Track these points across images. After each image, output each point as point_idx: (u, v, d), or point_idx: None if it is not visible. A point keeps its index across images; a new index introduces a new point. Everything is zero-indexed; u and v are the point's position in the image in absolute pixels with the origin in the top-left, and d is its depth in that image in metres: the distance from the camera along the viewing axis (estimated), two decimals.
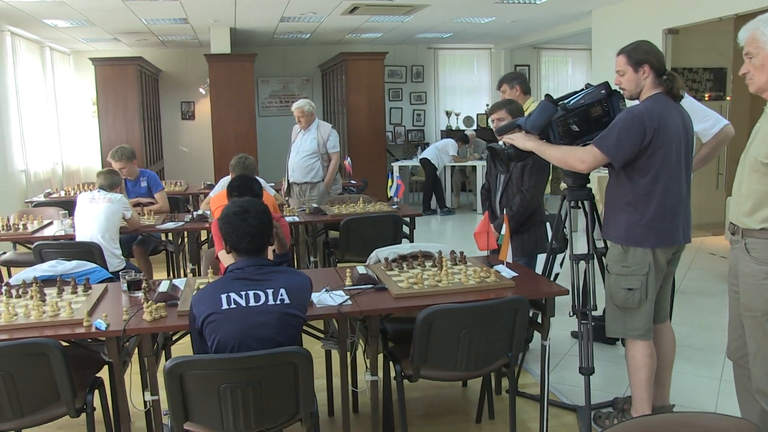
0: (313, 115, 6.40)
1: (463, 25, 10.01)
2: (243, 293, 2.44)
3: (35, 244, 4.55)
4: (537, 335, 3.30)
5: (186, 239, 5.43)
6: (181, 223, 5.23)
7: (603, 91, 3.26)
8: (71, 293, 3.18)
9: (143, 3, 7.42)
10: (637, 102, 3.17)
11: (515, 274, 3.32)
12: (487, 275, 3.24)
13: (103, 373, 2.99)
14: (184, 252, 5.64)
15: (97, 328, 2.71)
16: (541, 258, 4.12)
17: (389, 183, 6.09)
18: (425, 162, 10.15)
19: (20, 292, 3.16)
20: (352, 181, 8.05)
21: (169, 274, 5.96)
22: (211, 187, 7.61)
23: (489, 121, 4.18)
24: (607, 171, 3.31)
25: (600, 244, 3.39)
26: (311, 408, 2.51)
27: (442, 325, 2.76)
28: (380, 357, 3.10)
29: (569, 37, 11.05)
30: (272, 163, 10.45)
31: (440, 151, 10.22)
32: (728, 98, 8.65)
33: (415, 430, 3.43)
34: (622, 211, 3.09)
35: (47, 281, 3.36)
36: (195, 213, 5.41)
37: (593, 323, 3.32)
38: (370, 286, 3.16)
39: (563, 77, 13.18)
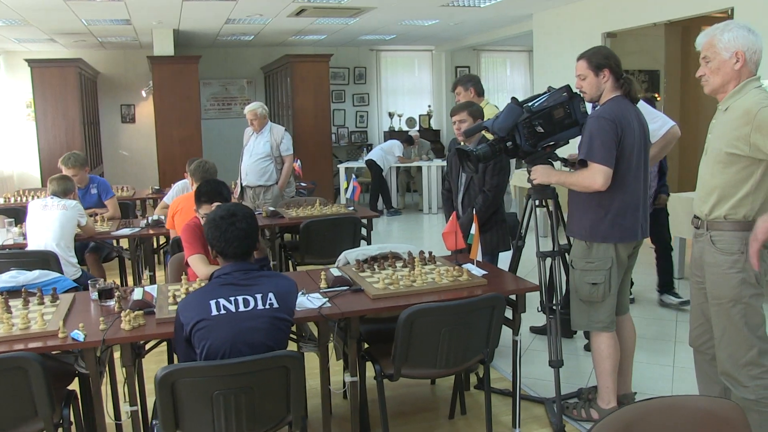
0: (266, 117, 6.36)
1: (407, 27, 10.13)
2: (232, 299, 2.43)
3: None
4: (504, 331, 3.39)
5: (142, 246, 5.32)
6: (137, 229, 5.13)
7: (565, 94, 3.38)
8: (38, 304, 3.09)
9: (85, 3, 7.22)
10: (596, 105, 3.31)
11: (485, 273, 3.41)
12: (459, 274, 3.31)
13: (74, 386, 2.93)
14: (139, 259, 5.52)
15: (74, 339, 2.64)
16: (503, 256, 4.27)
17: (345, 185, 6.12)
18: (371, 163, 10.21)
19: None
20: (302, 183, 8.03)
21: (122, 282, 5.82)
22: (160, 192, 7.48)
23: (452, 122, 4.25)
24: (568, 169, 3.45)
25: (563, 242, 3.53)
26: (302, 411, 2.53)
27: (424, 324, 2.81)
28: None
29: (508, 39, 11.33)
30: (226, 164, 10.31)
31: (386, 153, 10.29)
32: (658, 98, 9.03)
33: (391, 429, 3.47)
34: (586, 208, 3.21)
35: (10, 292, 3.25)
36: (150, 218, 5.31)
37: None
38: (345, 288, 3.19)
39: (502, 78, 13.49)
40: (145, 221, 5.28)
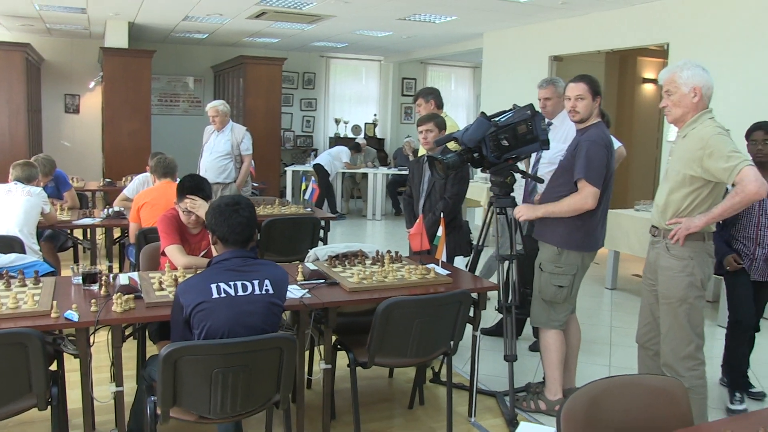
0: (227, 115, 6.48)
1: (360, 37, 10.38)
2: (232, 283, 2.60)
3: None
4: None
5: (104, 236, 5.35)
6: (98, 220, 5.17)
7: (528, 112, 3.70)
8: (21, 286, 3.16)
9: None
10: (574, 124, 3.62)
11: (448, 272, 3.68)
12: (427, 272, 3.57)
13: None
14: (98, 249, 5.54)
15: (68, 319, 2.74)
16: (458, 260, 4.55)
17: (303, 186, 6.30)
18: (318, 168, 10.38)
19: None
20: (255, 184, 8.15)
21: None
22: (111, 184, 7.46)
23: (417, 132, 4.50)
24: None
25: (519, 247, 3.83)
26: (290, 391, 2.71)
27: (399, 316, 3.04)
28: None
29: (455, 55, 11.74)
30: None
31: (333, 158, 10.49)
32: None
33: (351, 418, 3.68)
34: (562, 218, 3.49)
35: None
36: (110, 210, 5.35)
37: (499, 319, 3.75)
38: (322, 281, 3.39)
39: (446, 92, 13.87)
40: (106, 212, 5.31)
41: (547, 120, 4.30)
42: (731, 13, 6.11)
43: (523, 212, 3.65)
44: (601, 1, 6.93)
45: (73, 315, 2.75)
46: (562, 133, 4.30)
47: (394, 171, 10.80)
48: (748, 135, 3.89)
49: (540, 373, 4.23)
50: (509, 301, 3.72)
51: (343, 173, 11.02)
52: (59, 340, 2.97)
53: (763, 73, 5.81)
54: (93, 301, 2.89)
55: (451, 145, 4.13)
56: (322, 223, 5.76)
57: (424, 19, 8.43)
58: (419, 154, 5.03)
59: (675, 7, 6.65)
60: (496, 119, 3.69)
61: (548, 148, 3.79)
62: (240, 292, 2.60)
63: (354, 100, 13.49)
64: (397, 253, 3.91)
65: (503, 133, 3.65)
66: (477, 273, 4.13)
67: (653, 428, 2.05)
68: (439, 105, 5.34)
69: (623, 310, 6.00)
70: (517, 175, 3.84)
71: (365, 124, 13.40)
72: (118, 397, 2.91)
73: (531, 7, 7.41)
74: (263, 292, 2.64)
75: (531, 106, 3.72)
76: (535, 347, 4.69)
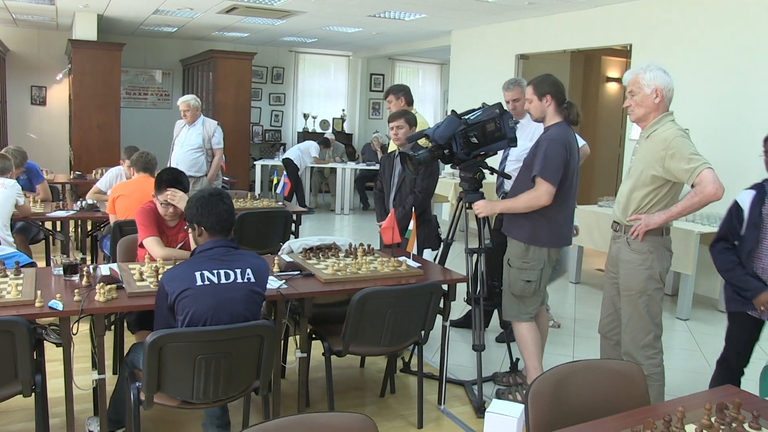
0: (198, 110, 6.52)
1: (329, 32, 10.46)
2: (215, 271, 2.70)
3: None
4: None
5: (79, 228, 5.38)
6: (72, 212, 5.19)
7: (497, 111, 3.84)
8: (2, 276, 3.21)
9: None
10: (541, 124, 3.78)
11: (419, 265, 3.82)
12: (399, 264, 3.70)
13: None
14: (70, 241, 5.56)
15: (52, 308, 2.81)
16: (427, 253, 4.69)
17: (274, 181, 6.39)
18: (288, 162, 10.44)
19: None
20: (225, 177, 8.19)
21: (48, 263, 5.81)
22: (81, 177, 7.44)
23: (388, 128, 4.63)
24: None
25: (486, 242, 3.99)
26: (270, 377, 2.83)
27: (373, 306, 3.17)
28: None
29: (422, 52, 11.89)
30: None
31: (303, 153, 10.56)
32: None
33: (326, 405, 3.80)
34: (528, 216, 3.64)
35: None
36: (84, 202, 5.37)
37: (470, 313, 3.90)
38: (298, 272, 3.50)
39: (414, 87, 13.87)
40: (80, 204, 5.34)
41: (514, 119, 4.45)
42: (692, 17, 6.35)
43: (481, 208, 3.81)
44: (567, 2, 7.13)
45: (57, 304, 2.82)
46: (529, 132, 4.45)
47: (362, 166, 10.91)
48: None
49: (507, 363, 4.41)
50: (477, 293, 3.88)
51: (312, 168, 11.10)
52: (40, 329, 3.03)
53: (722, 75, 6.07)
54: (76, 291, 2.96)
55: (422, 142, 4.27)
56: (294, 216, 5.85)
57: (393, 16, 8.55)
58: (389, 150, 5.15)
59: (638, 9, 6.89)
60: (466, 117, 3.83)
61: (516, 146, 3.95)
62: (223, 280, 2.70)
63: (322, 95, 13.56)
64: (369, 246, 4.04)
65: (473, 130, 3.79)
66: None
67: (614, 408, 2.21)
68: (410, 102, 5.47)
69: (586, 303, 6.22)
70: (486, 171, 4.00)
71: (333, 119, 13.48)
72: (100, 384, 2.98)
73: (499, 7, 7.59)
74: (245, 280, 2.74)
75: (499, 105, 3.87)
76: (501, 338, 4.87)
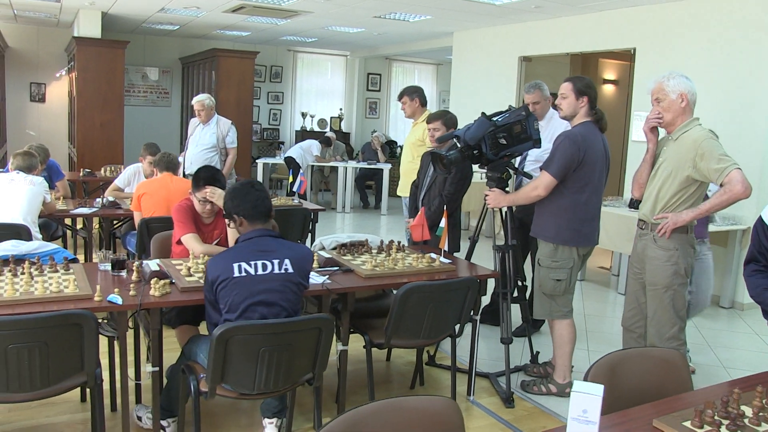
0: (212, 109, 6.60)
1: (330, 32, 10.55)
2: (252, 263, 2.80)
3: None
4: None
5: (100, 225, 5.44)
6: (94, 209, 5.26)
7: (523, 113, 3.99)
8: (53, 272, 3.29)
9: None
10: (559, 126, 3.94)
11: (449, 261, 3.95)
12: (432, 260, 3.83)
13: None
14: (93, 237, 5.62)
15: (111, 302, 2.90)
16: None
17: (290, 179, 6.47)
18: (290, 161, 10.52)
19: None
20: (237, 176, 8.26)
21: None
22: (91, 174, 7.49)
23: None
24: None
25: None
26: (324, 369, 2.94)
27: (415, 300, 3.30)
28: None
29: (419, 52, 12.03)
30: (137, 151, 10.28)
31: (305, 151, 10.64)
32: None
33: (361, 397, 3.91)
34: (553, 215, 3.81)
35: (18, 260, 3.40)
36: (106, 199, 5.45)
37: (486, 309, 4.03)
38: (337, 268, 3.62)
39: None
40: (101, 201, 5.40)
41: None
42: (696, 20, 6.54)
43: (490, 199, 3.98)
44: (572, 6, 7.30)
45: (117, 298, 2.91)
46: (548, 133, 4.60)
47: (363, 165, 11.03)
48: None
49: (525, 357, 4.54)
50: (505, 289, 4.02)
51: (312, 167, 11.19)
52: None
53: (727, 79, 6.26)
54: (131, 285, 3.05)
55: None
56: (311, 215, 5.96)
57: (398, 17, 8.67)
58: (412, 149, 5.25)
59: (642, 14, 7.06)
60: (495, 119, 3.97)
61: (540, 147, 4.09)
62: (260, 271, 2.81)
63: (320, 94, 13.66)
64: (399, 242, 4.16)
65: (501, 132, 3.92)
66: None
67: (661, 393, 2.36)
68: (423, 103, 5.60)
69: (594, 300, 6.39)
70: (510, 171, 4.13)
71: (331, 118, 13.58)
72: (155, 376, 3.08)
73: (504, 9, 7.73)
74: (282, 271, 2.84)
75: (525, 108, 4.02)
76: (519, 332, 4.99)
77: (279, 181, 11.90)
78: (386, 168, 10.78)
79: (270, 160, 11.31)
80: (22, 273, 3.13)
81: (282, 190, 11.88)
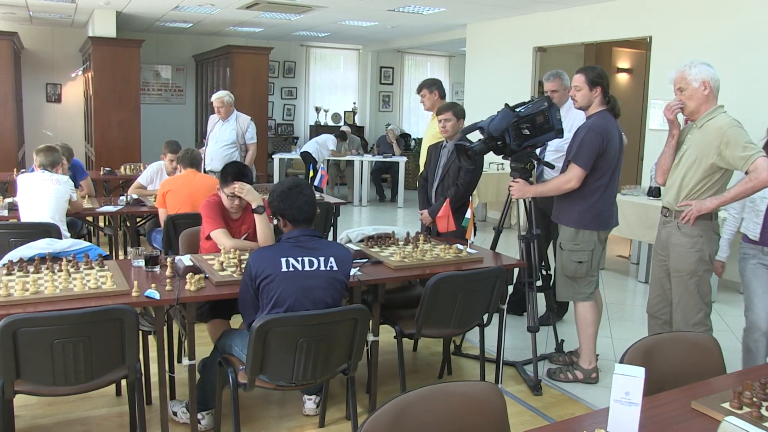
0: (232, 105, 6.66)
1: (343, 26, 10.58)
2: (299, 259, 2.86)
3: None
4: None
5: (125, 223, 5.52)
6: (119, 207, 5.33)
7: (545, 104, 4.01)
8: (88, 268, 3.35)
9: None
10: (578, 115, 3.97)
11: (476, 251, 3.99)
12: (459, 251, 3.87)
13: None
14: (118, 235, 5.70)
15: (149, 297, 2.96)
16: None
17: (310, 174, 6.53)
18: (306, 155, 10.59)
19: (36, 268, 3.27)
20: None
21: None
22: (112, 173, 7.57)
23: (437, 120, 4.76)
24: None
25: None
26: (360, 359, 2.99)
27: (446, 290, 3.34)
28: None
29: (431, 45, 12.04)
30: (155, 149, 10.37)
31: (320, 146, 10.70)
32: None
33: (390, 387, 3.96)
34: (573, 201, 3.86)
35: (53, 258, 3.47)
36: (130, 197, 5.52)
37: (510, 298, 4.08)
38: (366, 260, 3.66)
39: (423, 79, 14.18)
40: (125, 199, 5.47)
41: None
42: (713, 7, 6.52)
43: (515, 190, 4.02)
44: None
45: (154, 293, 2.97)
46: (567, 123, 4.60)
47: (379, 158, 11.07)
48: None
49: (550, 346, 4.58)
50: (531, 278, 4.06)
51: (328, 161, 11.24)
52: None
53: (744, 66, 6.24)
54: (167, 280, 3.11)
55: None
56: (333, 208, 6.01)
57: (412, 10, 8.68)
58: (432, 142, 5.28)
59: (659, 1, 7.04)
60: (518, 110, 4.00)
61: (562, 137, 4.12)
62: (307, 267, 2.86)
63: (333, 89, 13.70)
64: (425, 234, 4.20)
65: (524, 122, 3.96)
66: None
67: (694, 376, 2.40)
68: (442, 95, 5.62)
69: (613, 288, 6.41)
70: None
71: (345, 112, 13.62)
72: (191, 369, 3.14)
73: (519, 0, 7.74)
74: (327, 268, 2.90)
75: (548, 98, 4.04)
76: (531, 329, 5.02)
77: (294, 176, 11.95)
78: (402, 161, 10.82)
79: (286, 156, 11.37)
80: (60, 270, 3.20)
81: None
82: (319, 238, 3.00)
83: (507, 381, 4.11)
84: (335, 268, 2.93)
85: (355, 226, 9.80)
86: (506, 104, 4.00)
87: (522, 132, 3.96)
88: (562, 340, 4.56)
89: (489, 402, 1.96)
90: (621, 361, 2.28)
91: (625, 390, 1.84)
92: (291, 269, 2.84)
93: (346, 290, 3.38)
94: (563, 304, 5.07)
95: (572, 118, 4.60)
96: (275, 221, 3.13)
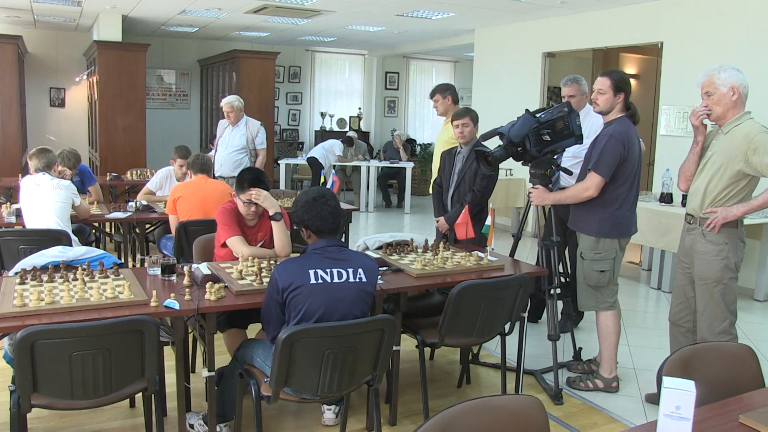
0: (242, 110, 6.59)
1: (350, 31, 10.53)
2: (328, 270, 2.78)
3: None
4: None
5: (136, 229, 5.44)
6: (128, 213, 5.26)
7: (566, 109, 3.95)
8: (104, 277, 3.28)
9: None
10: (596, 120, 3.91)
11: (496, 258, 3.92)
12: (480, 258, 3.80)
13: None
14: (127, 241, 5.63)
15: (168, 307, 2.88)
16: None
17: (322, 179, 6.45)
18: (313, 161, 10.52)
19: (50, 277, 3.19)
20: None
21: None
22: (118, 178, 7.50)
23: (453, 126, 4.69)
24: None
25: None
26: (386, 369, 2.92)
27: (470, 298, 3.27)
28: None
29: (438, 50, 12.00)
30: (160, 154, 10.33)
31: (327, 151, 10.63)
32: None
33: (409, 397, 3.89)
34: (593, 209, 3.79)
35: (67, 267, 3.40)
36: (139, 203, 5.45)
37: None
38: (386, 268, 3.59)
39: (429, 85, 14.13)
40: (134, 205, 5.40)
41: None
42: (725, 13, 6.46)
43: (534, 197, 3.96)
44: (599, 0, 7.24)
45: (174, 304, 2.89)
46: (584, 129, 4.56)
47: (385, 164, 11.00)
48: None
49: (567, 353, 4.51)
50: (552, 285, 3.99)
51: (334, 166, 11.18)
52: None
53: (758, 72, 6.17)
54: (187, 290, 3.04)
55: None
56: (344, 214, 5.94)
57: (421, 15, 8.64)
58: (446, 148, 5.22)
59: (670, 6, 6.99)
60: (538, 116, 3.93)
61: (582, 143, 4.06)
62: (335, 279, 2.78)
63: (339, 94, 13.66)
64: (444, 241, 4.14)
65: (545, 128, 3.90)
66: None
67: (733, 387, 2.32)
68: (456, 100, 5.55)
69: (626, 295, 6.33)
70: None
71: (350, 117, 13.57)
72: (210, 381, 3.07)
73: (529, 6, 7.68)
74: (356, 279, 2.82)
75: (568, 104, 3.99)
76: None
77: (300, 181, 11.90)
78: (409, 166, 10.75)
79: (292, 161, 11.31)
80: (74, 279, 3.12)
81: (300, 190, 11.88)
82: (346, 249, 2.93)
83: (527, 390, 4.03)
84: (364, 279, 2.85)
85: (362, 232, 9.77)
86: (527, 110, 3.94)
87: (542, 138, 3.91)
88: (580, 348, 4.49)
89: (532, 416, 1.89)
90: (659, 373, 2.22)
91: (675, 404, 1.78)
92: (320, 281, 2.76)
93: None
94: (579, 311, 4.99)
95: (590, 124, 4.54)
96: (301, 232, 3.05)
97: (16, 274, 3.25)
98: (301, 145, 12.78)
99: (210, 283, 3.07)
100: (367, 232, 9.45)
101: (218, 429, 3.24)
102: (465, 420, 1.81)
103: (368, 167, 10.77)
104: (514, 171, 8.40)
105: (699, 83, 3.42)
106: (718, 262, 3.40)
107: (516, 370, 3.93)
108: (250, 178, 3.83)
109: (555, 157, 4.61)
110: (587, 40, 7.98)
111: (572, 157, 4.68)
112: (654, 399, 3.85)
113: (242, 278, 3.27)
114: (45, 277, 3.18)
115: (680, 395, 1.78)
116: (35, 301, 2.79)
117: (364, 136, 13.31)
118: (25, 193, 4.66)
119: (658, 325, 5.56)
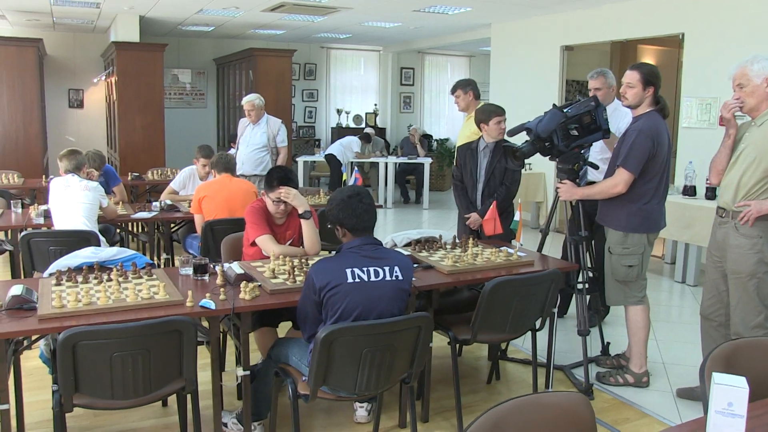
0: (262, 109, 6.61)
1: (366, 28, 10.52)
2: (365, 269, 2.78)
3: (22, 234, 4.45)
4: None
5: (161, 229, 5.47)
6: (154, 213, 5.29)
7: (592, 103, 3.93)
8: (137, 278, 3.29)
9: None
10: (629, 110, 3.88)
11: (525, 254, 3.91)
12: (510, 254, 3.79)
13: None
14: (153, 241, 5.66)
15: (204, 307, 2.89)
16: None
17: (344, 177, 6.47)
18: (331, 158, 10.53)
19: (84, 278, 3.22)
20: None
21: None
22: (140, 178, 7.54)
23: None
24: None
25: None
26: (422, 367, 2.92)
27: (502, 295, 3.26)
28: None
29: (453, 45, 11.96)
30: (177, 153, 10.39)
31: (345, 148, 10.64)
32: None
33: (439, 393, 3.90)
34: (621, 204, 3.77)
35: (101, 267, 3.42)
36: (164, 203, 5.47)
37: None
38: (416, 265, 3.59)
39: (444, 80, 14.14)
40: (159, 205, 5.43)
41: None
42: (748, 1, 6.38)
43: (562, 192, 3.95)
44: None
45: (210, 303, 2.90)
46: (613, 125, 4.52)
47: (403, 160, 11.00)
48: None
49: (595, 348, 4.49)
50: (580, 280, 3.97)
51: (351, 163, 11.19)
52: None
53: None
54: (221, 290, 3.05)
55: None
56: None
57: (438, 10, 8.61)
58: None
59: None
60: (565, 111, 3.91)
61: (609, 137, 4.04)
62: (372, 278, 2.77)
63: (354, 90, 13.66)
64: (473, 237, 4.13)
65: (572, 123, 3.88)
66: None
67: None
68: (477, 95, 5.53)
69: (650, 289, 6.19)
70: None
71: (366, 113, 13.57)
72: (245, 380, 3.08)
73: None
74: (393, 278, 2.81)
75: (595, 98, 3.96)
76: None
77: (317, 178, 11.92)
78: (426, 162, 10.73)
79: (309, 158, 11.32)
80: (109, 280, 3.15)
81: (323, 187, 11.89)
82: (381, 247, 2.93)
83: (557, 385, 4.02)
84: (401, 277, 2.85)
85: (380, 228, 9.76)
86: (554, 104, 3.92)
87: (570, 132, 3.89)
88: (608, 343, 4.48)
89: (580, 414, 1.89)
90: (702, 369, 2.20)
91: (727, 401, 1.77)
92: (357, 280, 2.75)
93: None
94: (606, 305, 4.97)
95: (618, 119, 4.51)
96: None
97: (51, 275, 3.28)
98: (317, 142, 12.80)
99: (244, 282, 3.08)
100: (386, 229, 9.45)
101: (252, 427, 3.25)
102: (516, 417, 1.81)
103: (386, 163, 10.76)
104: (533, 165, 8.36)
105: (731, 75, 3.39)
106: (752, 255, 3.37)
107: (546, 366, 3.92)
108: (279, 177, 3.84)
109: (582, 151, 4.63)
110: (606, 32, 7.92)
111: (599, 151, 4.65)
112: (686, 394, 3.83)
113: (275, 277, 3.28)
114: (80, 278, 3.20)
115: (732, 391, 1.76)
116: (73, 302, 2.81)
117: (381, 132, 13.31)
118: (55, 195, 4.71)
119: (683, 319, 5.52)
